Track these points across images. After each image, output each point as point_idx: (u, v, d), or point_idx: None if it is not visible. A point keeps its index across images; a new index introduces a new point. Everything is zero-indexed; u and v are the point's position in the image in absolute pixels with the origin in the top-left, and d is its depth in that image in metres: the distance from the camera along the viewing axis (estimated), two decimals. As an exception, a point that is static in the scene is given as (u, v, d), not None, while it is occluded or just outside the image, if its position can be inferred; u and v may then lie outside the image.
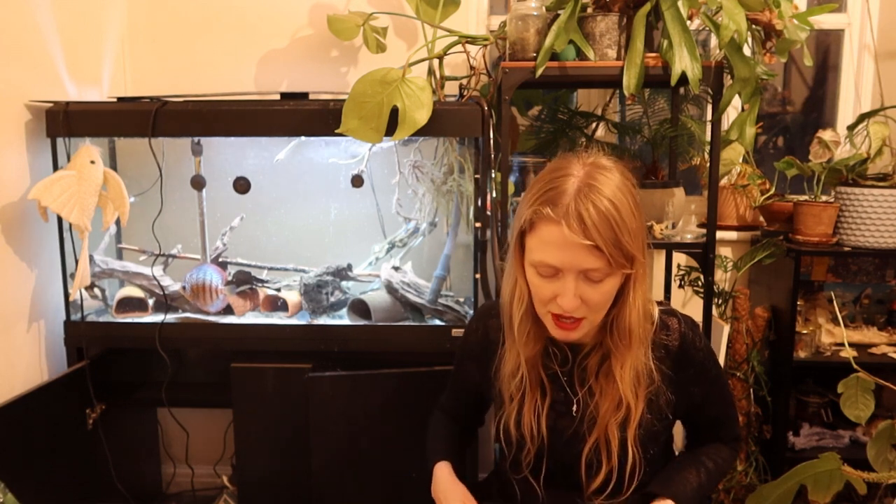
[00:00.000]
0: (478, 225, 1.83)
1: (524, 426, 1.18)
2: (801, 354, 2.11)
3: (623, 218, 1.02)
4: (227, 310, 2.01)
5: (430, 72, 2.01)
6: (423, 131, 1.74)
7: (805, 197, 2.09)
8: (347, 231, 2.15)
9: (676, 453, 1.36)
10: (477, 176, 1.83)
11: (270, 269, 2.11)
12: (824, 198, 2.05)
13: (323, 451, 1.85)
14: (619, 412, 1.14)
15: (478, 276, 1.85)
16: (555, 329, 1.11)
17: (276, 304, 2.03)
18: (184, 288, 1.98)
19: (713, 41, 1.97)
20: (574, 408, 1.18)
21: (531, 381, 1.18)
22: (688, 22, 1.64)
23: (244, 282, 2.02)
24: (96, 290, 2.02)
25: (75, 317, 1.94)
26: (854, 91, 2.32)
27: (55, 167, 1.85)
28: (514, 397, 1.19)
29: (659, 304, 1.23)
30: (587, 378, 1.18)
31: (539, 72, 1.68)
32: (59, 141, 1.85)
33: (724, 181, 2.25)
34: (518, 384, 1.18)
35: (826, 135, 2.08)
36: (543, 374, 1.19)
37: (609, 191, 1.02)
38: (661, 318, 1.20)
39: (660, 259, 2.27)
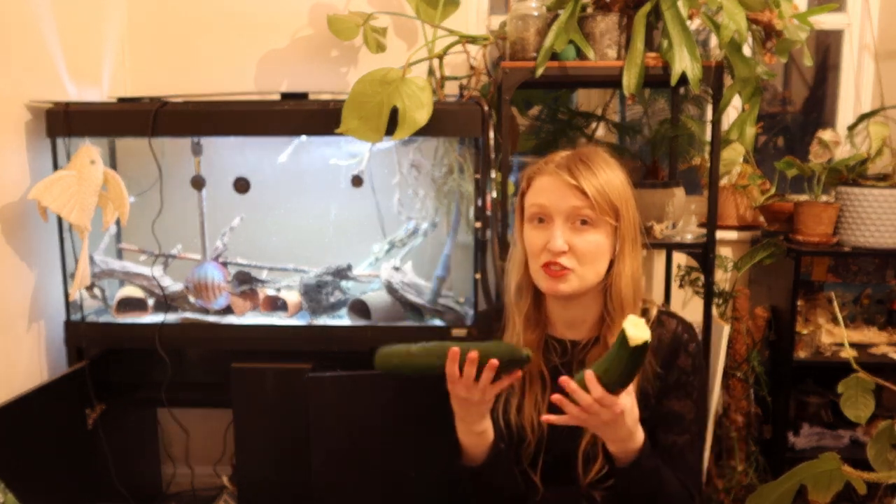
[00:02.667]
0: (478, 225, 1.83)
1: (524, 418, 1.20)
2: (801, 354, 2.11)
3: (609, 176, 1.14)
4: (227, 310, 2.01)
5: (430, 72, 2.01)
6: (423, 131, 1.73)
7: (805, 197, 2.09)
8: (347, 231, 2.14)
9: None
10: (477, 176, 1.83)
11: (270, 269, 2.10)
12: (824, 198, 2.05)
13: (323, 451, 1.85)
14: None
15: (478, 276, 1.85)
16: (546, 280, 1.15)
17: (276, 305, 2.03)
18: (187, 287, 1.98)
19: (713, 41, 1.97)
20: None
21: (532, 372, 1.20)
22: (688, 22, 1.64)
23: (244, 282, 2.02)
24: (96, 291, 2.02)
25: (75, 317, 1.94)
26: (854, 91, 2.32)
27: (55, 167, 1.85)
28: (515, 386, 1.21)
29: (660, 308, 1.25)
30: None
31: (539, 72, 1.68)
32: (59, 141, 1.85)
33: (724, 181, 2.25)
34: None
35: (826, 135, 2.08)
36: (544, 367, 1.21)
37: (599, 158, 1.17)
38: (660, 317, 1.23)
39: (660, 259, 2.26)
